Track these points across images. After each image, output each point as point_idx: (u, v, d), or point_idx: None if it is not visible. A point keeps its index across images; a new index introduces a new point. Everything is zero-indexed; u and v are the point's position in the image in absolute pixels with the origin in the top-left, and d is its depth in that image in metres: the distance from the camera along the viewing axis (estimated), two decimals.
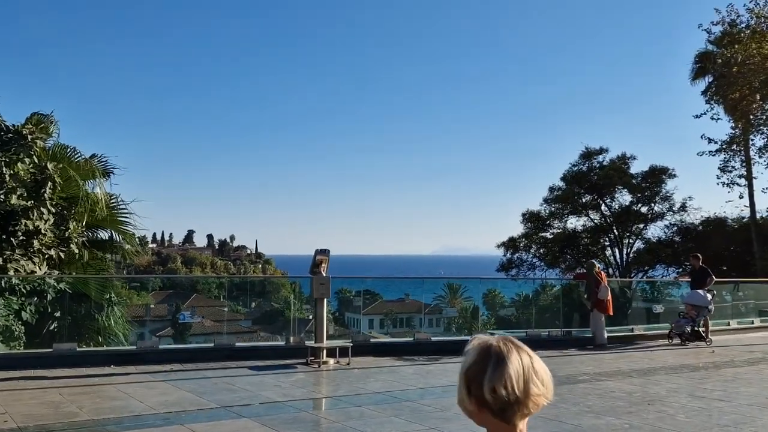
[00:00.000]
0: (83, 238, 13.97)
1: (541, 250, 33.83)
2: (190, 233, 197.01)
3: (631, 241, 32.66)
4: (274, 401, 8.52)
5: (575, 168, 32.04)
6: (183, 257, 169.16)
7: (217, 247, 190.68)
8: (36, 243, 11.78)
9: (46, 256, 12.29)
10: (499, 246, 34.20)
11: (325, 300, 11.89)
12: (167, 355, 11.54)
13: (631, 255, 32.32)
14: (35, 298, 12.23)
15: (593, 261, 16.92)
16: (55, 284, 12.33)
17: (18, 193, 11.44)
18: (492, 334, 1.77)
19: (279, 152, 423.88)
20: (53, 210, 12.31)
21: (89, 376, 10.20)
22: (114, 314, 13.25)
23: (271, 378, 10.22)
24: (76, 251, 12.93)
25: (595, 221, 32.90)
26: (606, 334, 14.60)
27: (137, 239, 14.54)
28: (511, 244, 33.80)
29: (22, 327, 11.92)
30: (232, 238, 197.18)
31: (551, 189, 32.93)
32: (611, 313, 14.86)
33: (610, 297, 14.82)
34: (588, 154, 31.62)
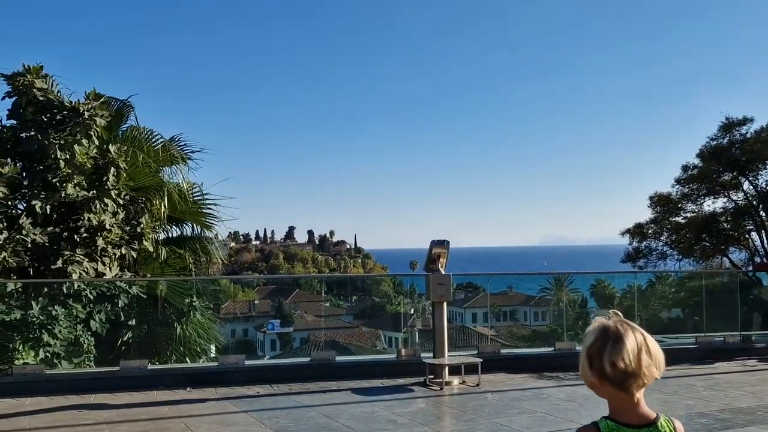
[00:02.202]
0: (159, 235, 12.20)
1: (673, 237, 30.03)
2: (291, 230, 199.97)
3: None
4: None
5: (713, 142, 28.00)
6: (285, 253, 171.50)
7: (317, 243, 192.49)
8: (101, 241, 9.96)
9: (117, 255, 10.49)
10: (623, 233, 30.60)
11: (445, 304, 9.46)
12: (254, 374, 9.45)
13: None
14: (106, 305, 10.46)
15: None
16: (127, 288, 10.52)
17: (75, 181, 9.65)
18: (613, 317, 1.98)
19: (377, 145, 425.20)
20: (121, 201, 10.50)
21: (157, 403, 8.21)
22: (196, 322, 11.34)
23: (383, 408, 7.87)
24: (151, 249, 11.09)
25: (738, 202, 28.78)
26: None
27: (224, 237, 12.56)
28: (637, 231, 30.15)
29: (92, 339, 10.17)
30: (332, 233, 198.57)
31: (684, 168, 28.99)
32: None
33: None
34: (729, 126, 27.51)
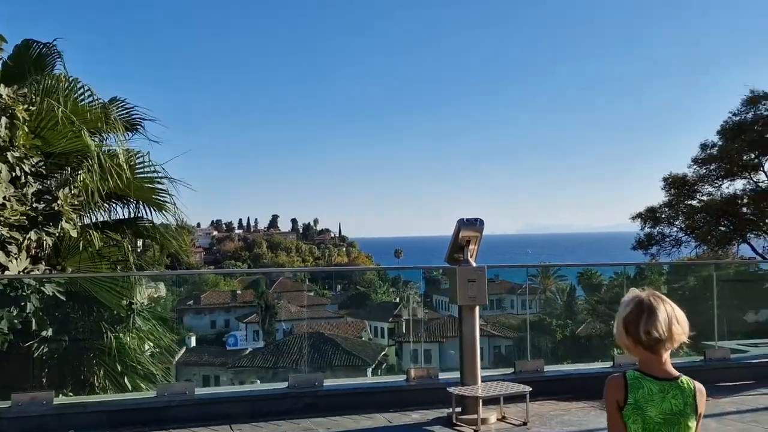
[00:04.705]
0: (95, 216, 9.38)
1: (688, 222, 27.56)
2: (275, 218, 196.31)
3: None
4: None
5: (736, 118, 25.46)
6: (268, 242, 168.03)
7: (301, 231, 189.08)
8: None
9: (24, 242, 7.66)
10: (634, 218, 28.09)
11: (478, 309, 6.73)
12: (208, 409, 6.69)
13: None
14: (10, 310, 7.65)
15: None
16: (39, 287, 7.71)
17: None
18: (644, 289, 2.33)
19: (359, 135, 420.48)
20: (26, 168, 7.68)
21: None
22: (136, 331, 8.57)
23: None
24: (75, 235, 8.27)
25: (759, 184, 26.34)
26: None
27: (178, 218, 9.66)
28: (649, 216, 27.64)
29: None
30: (316, 221, 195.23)
31: (703, 146, 26.47)
32: None
33: None
34: (754, 99, 24.95)
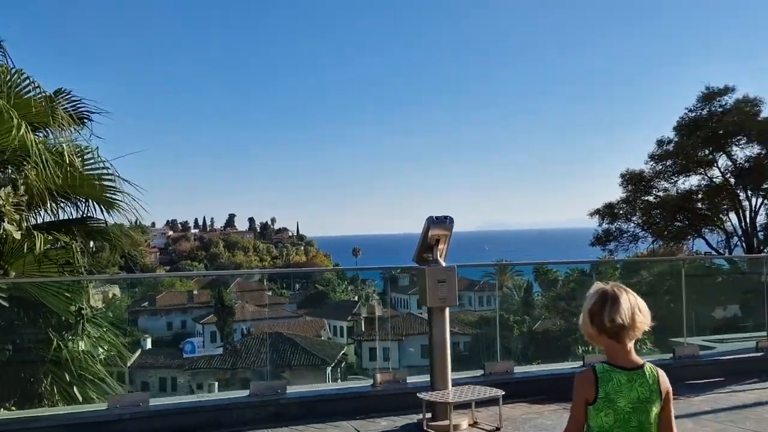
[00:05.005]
0: (41, 217, 8.85)
1: (644, 218, 27.91)
2: (232, 217, 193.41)
3: (757, 203, 26.41)
4: None
5: (692, 114, 25.80)
6: (225, 241, 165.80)
7: (258, 230, 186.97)
8: None
9: None
10: (592, 214, 28.34)
11: (448, 311, 6.47)
12: (166, 421, 6.29)
13: (760, 222, 26.13)
14: None
15: None
16: None
17: None
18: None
19: (317, 132, 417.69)
20: None
21: None
22: (87, 338, 8.09)
23: None
24: (17, 236, 7.74)
25: (713, 179, 26.79)
26: None
27: (131, 217, 9.15)
28: (607, 212, 27.90)
29: None
30: (273, 220, 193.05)
31: (660, 142, 26.82)
32: None
33: None
34: (709, 96, 25.31)
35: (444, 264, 6.42)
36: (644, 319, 2.39)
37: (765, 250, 25.68)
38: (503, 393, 6.21)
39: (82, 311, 8.15)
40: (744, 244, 26.28)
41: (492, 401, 6.39)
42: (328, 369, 37.36)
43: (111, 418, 6.07)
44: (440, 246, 6.43)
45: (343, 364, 40.87)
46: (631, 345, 2.41)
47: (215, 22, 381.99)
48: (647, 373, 2.42)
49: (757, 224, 26.13)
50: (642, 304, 2.42)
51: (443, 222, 6.31)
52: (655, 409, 2.40)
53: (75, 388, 8.03)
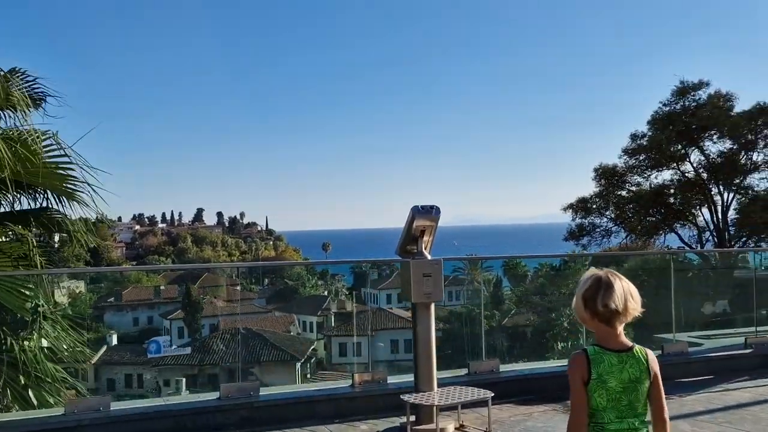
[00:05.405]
0: None
1: (617, 212, 27.88)
2: (200, 212, 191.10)
3: (728, 198, 26.49)
4: None
5: (666, 108, 25.78)
6: (193, 236, 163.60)
7: (227, 225, 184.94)
8: None
9: None
10: (565, 209, 28.23)
11: (433, 306, 6.08)
12: (128, 427, 5.80)
13: (731, 217, 26.22)
14: None
15: None
16: None
17: None
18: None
19: (286, 126, 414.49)
20: None
21: None
22: (44, 337, 7.52)
23: None
24: None
25: (686, 174, 26.83)
26: None
27: (94, 210, 8.55)
28: (581, 207, 27.81)
29: None
30: (242, 215, 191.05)
31: (633, 136, 26.78)
32: None
33: None
34: (683, 90, 25.30)
35: (429, 257, 6.02)
36: (636, 305, 2.50)
37: (736, 246, 25.80)
38: (492, 395, 5.84)
39: (39, 308, 7.59)
40: (716, 238, 26.39)
41: (479, 402, 6.02)
42: (298, 364, 36.84)
43: (69, 424, 5.56)
44: (425, 238, 6.03)
45: (312, 360, 40.39)
46: (620, 328, 2.51)
47: (184, 12, 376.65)
48: (638, 355, 2.50)
49: (729, 219, 26.24)
50: (634, 290, 2.52)
51: (429, 212, 5.90)
52: (643, 388, 2.49)
53: (30, 392, 7.48)
